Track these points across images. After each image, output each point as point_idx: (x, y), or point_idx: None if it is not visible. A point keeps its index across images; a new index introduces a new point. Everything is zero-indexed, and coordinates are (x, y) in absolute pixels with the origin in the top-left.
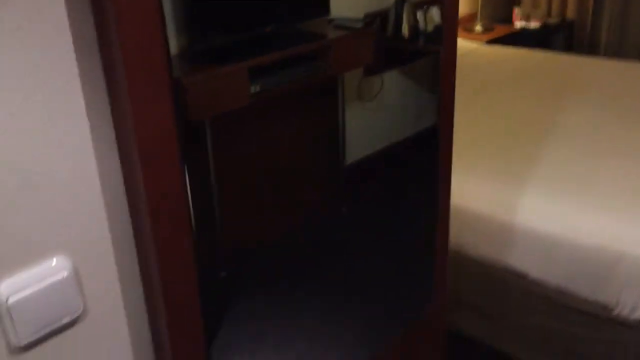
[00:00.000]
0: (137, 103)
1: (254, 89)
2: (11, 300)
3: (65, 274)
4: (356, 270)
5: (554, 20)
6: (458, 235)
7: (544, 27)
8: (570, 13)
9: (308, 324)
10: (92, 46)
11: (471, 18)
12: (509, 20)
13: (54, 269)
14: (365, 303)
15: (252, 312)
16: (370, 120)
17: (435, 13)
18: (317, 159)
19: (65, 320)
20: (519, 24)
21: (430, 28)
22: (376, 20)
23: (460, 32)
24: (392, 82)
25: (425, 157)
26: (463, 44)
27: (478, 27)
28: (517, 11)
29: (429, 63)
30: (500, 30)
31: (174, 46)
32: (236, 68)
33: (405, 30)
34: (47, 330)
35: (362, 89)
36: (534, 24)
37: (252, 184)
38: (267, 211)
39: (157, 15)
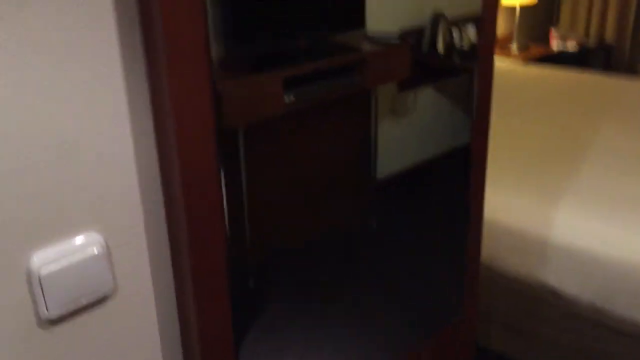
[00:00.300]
0: (178, 89)
1: (288, 98)
2: (43, 271)
3: (96, 250)
4: (384, 282)
5: (591, 41)
6: (490, 249)
7: (582, 49)
8: (609, 35)
9: (334, 334)
10: (135, 28)
11: (507, 38)
12: (545, 40)
13: (86, 244)
14: (392, 315)
15: (279, 320)
16: (403, 135)
17: (471, 31)
18: (348, 171)
19: (95, 297)
20: (555, 44)
21: (466, 46)
22: (412, 35)
23: (496, 51)
24: (425, 98)
25: (458, 175)
26: (498, 63)
27: (514, 47)
28: (554, 32)
29: (463, 81)
30: (537, 51)
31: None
32: (271, 77)
33: (440, 47)
34: (76, 305)
35: (396, 103)
36: (571, 45)
37: (283, 194)
38: (296, 221)
39: (202, 14)
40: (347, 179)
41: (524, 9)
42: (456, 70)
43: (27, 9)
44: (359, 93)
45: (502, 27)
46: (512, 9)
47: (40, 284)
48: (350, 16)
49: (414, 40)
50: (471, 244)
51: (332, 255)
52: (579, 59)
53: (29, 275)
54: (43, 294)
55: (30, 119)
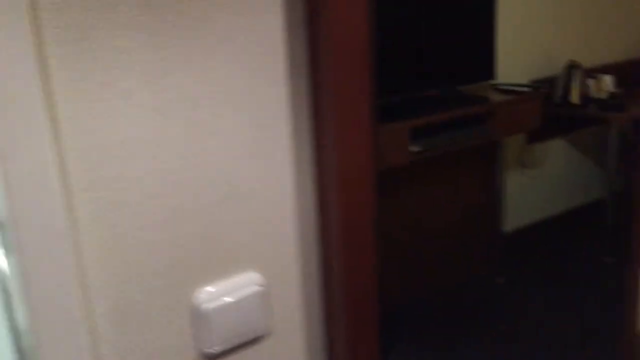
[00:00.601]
0: (342, 134)
1: (415, 148)
2: (208, 307)
3: (257, 289)
4: (507, 344)
5: None
6: None
7: None
8: None
9: None
10: (303, 71)
11: None
12: None
13: (247, 283)
14: None
15: None
16: (532, 188)
17: (608, 81)
18: (474, 223)
19: (251, 335)
20: None
21: (603, 95)
22: (543, 86)
23: None
24: (556, 149)
25: (590, 231)
26: None
27: None
28: None
29: (597, 132)
30: None
31: None
32: (398, 127)
33: (575, 97)
34: (235, 342)
35: (524, 155)
36: None
37: (407, 242)
38: (419, 270)
39: (368, 55)
40: (474, 231)
41: None
42: (591, 121)
43: (211, 65)
44: (487, 144)
45: None
46: None
47: (205, 318)
48: (481, 68)
49: (545, 91)
50: (627, 308)
51: (454, 307)
52: None
53: (193, 311)
54: (206, 330)
55: (202, 161)
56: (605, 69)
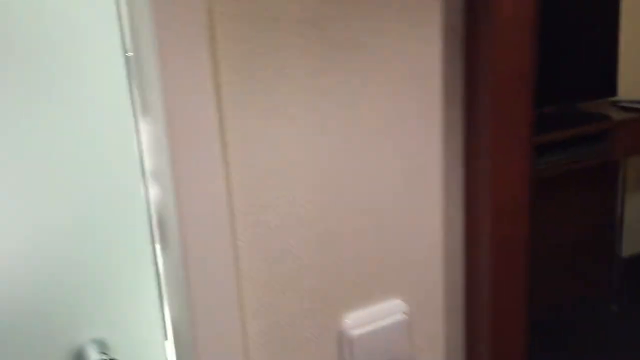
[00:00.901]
0: (498, 162)
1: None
2: (354, 333)
3: (402, 317)
4: None
5: None
6: None
7: None
8: None
9: None
10: (457, 100)
11: None
12: None
13: (392, 310)
14: None
15: None
16: None
17: None
18: (590, 245)
19: None
20: None
21: None
22: None
23: None
24: None
25: None
26: None
27: None
28: None
29: None
30: None
31: None
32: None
33: None
34: None
35: None
36: None
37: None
38: (534, 292)
39: (529, 82)
40: (589, 253)
41: None
42: None
43: (367, 93)
44: (607, 164)
45: None
46: None
47: (350, 345)
48: (601, 84)
49: None
50: None
51: (569, 332)
52: None
53: (340, 336)
54: (351, 356)
55: (355, 188)
56: None
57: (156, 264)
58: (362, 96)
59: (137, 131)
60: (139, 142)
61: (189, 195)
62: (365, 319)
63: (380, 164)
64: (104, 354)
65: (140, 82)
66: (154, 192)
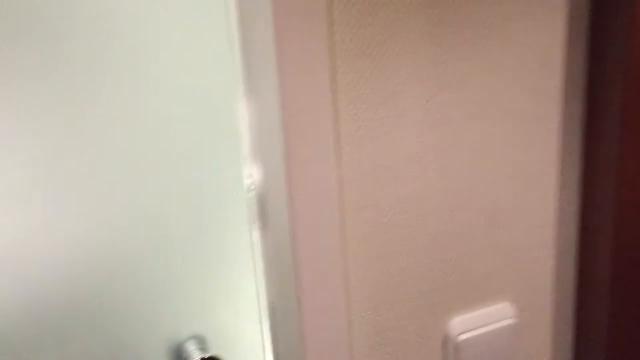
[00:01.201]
0: (627, 160)
1: None
2: (460, 337)
3: (510, 322)
4: None
5: None
6: None
7: None
8: None
9: None
10: (578, 90)
11: None
12: None
13: (500, 314)
14: None
15: None
16: None
17: None
18: None
19: None
20: None
21: None
22: None
23: None
24: None
25: None
26: None
27: None
28: None
29: None
30: None
31: None
32: None
33: None
34: None
35: None
36: None
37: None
38: None
39: None
40: None
41: None
42: None
43: (486, 82)
44: None
45: None
46: None
47: (455, 350)
48: None
49: None
50: None
51: None
52: None
53: (445, 341)
54: None
55: (467, 184)
56: None
57: (254, 259)
58: (482, 87)
59: (239, 111)
60: (240, 123)
61: (300, 181)
62: (472, 323)
63: (495, 159)
64: (204, 350)
65: (247, 63)
66: (256, 174)
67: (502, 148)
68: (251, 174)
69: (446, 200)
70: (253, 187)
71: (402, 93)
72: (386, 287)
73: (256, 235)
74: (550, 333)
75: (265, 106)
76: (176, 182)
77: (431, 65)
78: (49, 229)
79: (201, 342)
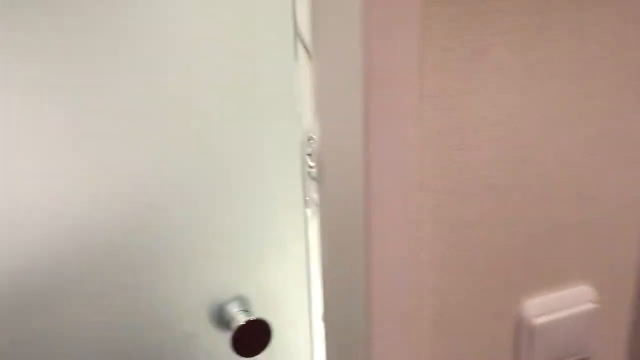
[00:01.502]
0: None
1: None
2: (535, 321)
3: (589, 306)
4: None
5: None
6: None
7: None
8: None
9: None
10: None
11: None
12: None
13: (579, 298)
14: None
15: None
16: None
17: None
18: None
19: (573, 357)
20: None
21: None
22: None
23: None
24: None
25: None
26: None
27: None
28: None
29: None
30: None
31: None
32: None
33: None
34: None
35: None
36: None
37: None
38: None
39: None
40: None
41: None
42: None
43: (590, 38)
44: None
45: None
46: None
47: (529, 334)
48: None
49: None
50: None
51: None
52: None
53: (517, 323)
54: (529, 346)
55: (554, 153)
56: None
57: (305, 218)
58: (591, 41)
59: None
60: (296, 83)
61: (378, 142)
62: (549, 306)
63: (592, 127)
64: (246, 311)
65: (315, 22)
66: (318, 131)
67: (603, 115)
68: (309, 131)
69: (533, 169)
70: (312, 144)
71: (495, 44)
72: (459, 261)
73: (310, 193)
74: (632, 321)
75: (339, 60)
76: (229, 137)
77: (527, 15)
78: (91, 182)
79: (245, 304)
